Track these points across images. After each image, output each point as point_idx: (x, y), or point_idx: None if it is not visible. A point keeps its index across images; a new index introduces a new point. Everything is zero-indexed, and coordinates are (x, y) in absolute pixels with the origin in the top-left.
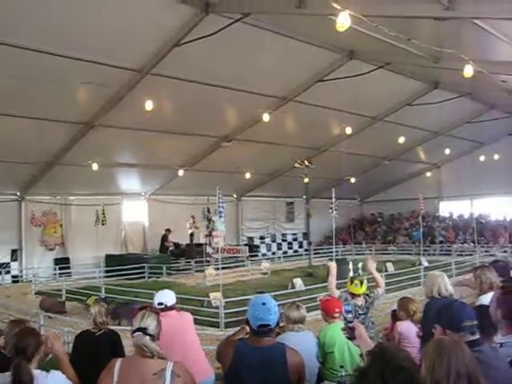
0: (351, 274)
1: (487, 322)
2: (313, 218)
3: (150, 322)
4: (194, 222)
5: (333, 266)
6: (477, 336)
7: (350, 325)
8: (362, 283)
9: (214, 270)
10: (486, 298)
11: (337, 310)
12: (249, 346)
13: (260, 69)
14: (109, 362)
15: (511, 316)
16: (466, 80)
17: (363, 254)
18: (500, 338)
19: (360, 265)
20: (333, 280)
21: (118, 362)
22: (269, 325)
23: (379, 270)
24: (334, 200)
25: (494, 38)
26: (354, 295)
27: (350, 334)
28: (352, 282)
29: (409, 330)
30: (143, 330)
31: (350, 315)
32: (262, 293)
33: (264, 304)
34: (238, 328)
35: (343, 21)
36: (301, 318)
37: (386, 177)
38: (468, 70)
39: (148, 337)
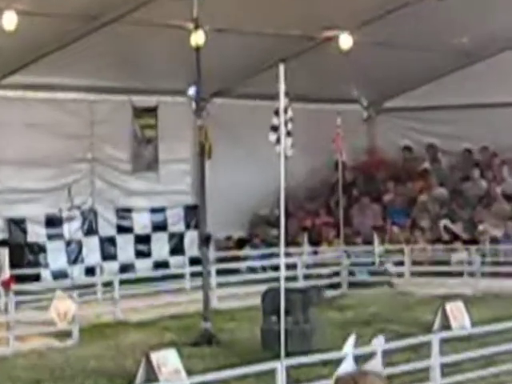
0: (349, 349)
1: None
2: (221, 158)
3: None
4: None
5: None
6: None
7: None
8: None
9: None
10: None
11: None
12: None
13: None
14: None
15: None
16: None
17: (380, 273)
18: None
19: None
20: None
21: None
22: None
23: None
24: (283, 102)
25: None
26: None
27: None
28: None
29: None
30: None
31: None
32: None
33: None
34: None
35: None
36: None
37: (437, 39)
38: None
39: None
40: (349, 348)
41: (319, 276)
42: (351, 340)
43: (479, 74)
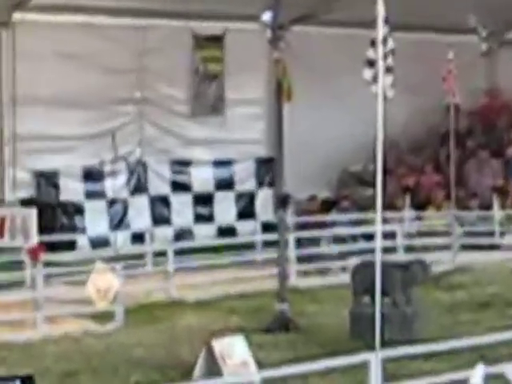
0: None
1: None
2: (303, 99)
3: None
4: None
5: None
6: None
7: None
8: None
9: None
10: None
11: None
12: None
13: None
14: None
15: None
16: None
17: None
18: None
19: None
20: None
21: None
22: None
23: None
24: (382, 30)
25: None
26: None
27: None
28: None
29: None
30: None
31: None
32: None
33: None
34: None
35: None
36: None
37: None
38: None
39: None
40: (477, 380)
41: (424, 248)
42: (479, 370)
43: None
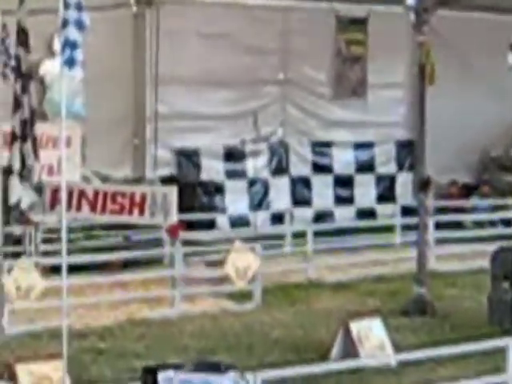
0: None
1: None
2: (446, 83)
3: None
4: None
5: None
6: None
7: None
8: None
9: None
10: None
11: None
12: None
13: None
14: None
15: None
16: None
17: None
18: None
19: None
20: None
21: None
22: None
23: None
24: None
25: None
26: None
27: None
28: None
29: None
30: None
31: None
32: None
33: None
34: None
35: None
36: None
37: None
38: None
39: None
40: None
41: None
42: None
43: None
